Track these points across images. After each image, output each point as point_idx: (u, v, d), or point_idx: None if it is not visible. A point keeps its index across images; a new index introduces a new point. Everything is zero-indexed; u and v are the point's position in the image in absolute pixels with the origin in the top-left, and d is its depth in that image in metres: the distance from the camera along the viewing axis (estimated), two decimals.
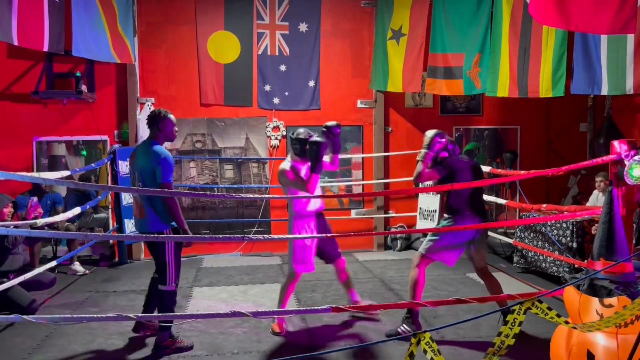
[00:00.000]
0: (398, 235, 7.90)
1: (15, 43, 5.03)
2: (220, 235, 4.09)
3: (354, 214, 8.11)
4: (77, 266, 6.68)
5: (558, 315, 2.30)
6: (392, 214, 8.17)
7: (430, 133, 4.41)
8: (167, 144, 7.49)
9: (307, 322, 4.72)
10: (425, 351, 2.12)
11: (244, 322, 4.66)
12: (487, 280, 4.50)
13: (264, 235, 3.60)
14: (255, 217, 7.76)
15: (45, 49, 5.50)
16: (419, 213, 7.84)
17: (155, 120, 4.18)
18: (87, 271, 6.71)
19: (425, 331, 2.10)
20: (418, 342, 2.09)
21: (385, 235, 8.05)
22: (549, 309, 2.27)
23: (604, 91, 5.74)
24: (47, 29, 5.43)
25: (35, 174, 5.82)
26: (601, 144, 7.00)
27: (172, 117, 4.25)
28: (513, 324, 2.23)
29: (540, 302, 2.24)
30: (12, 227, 4.94)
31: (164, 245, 4.04)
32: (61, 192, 7.06)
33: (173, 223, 4.09)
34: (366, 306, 3.43)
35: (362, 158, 8.10)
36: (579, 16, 3.94)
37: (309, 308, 4.24)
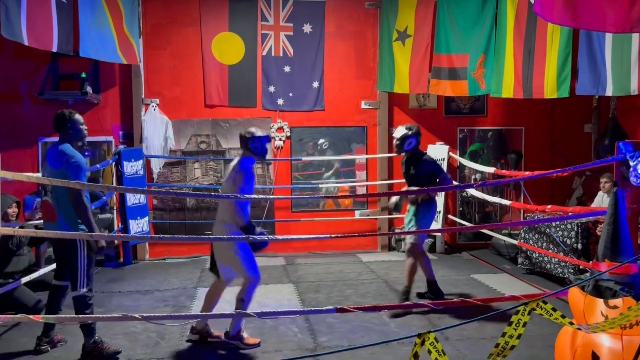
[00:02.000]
0: (402, 236, 7.88)
1: (26, 43, 5.06)
2: (224, 236, 4.10)
3: (357, 214, 8.11)
4: None
5: (563, 316, 2.30)
6: (396, 214, 8.16)
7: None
8: (171, 145, 7.56)
9: (311, 322, 4.72)
10: (429, 352, 2.12)
11: (248, 323, 4.66)
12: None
13: (269, 237, 3.61)
14: (259, 218, 7.77)
15: (55, 49, 5.54)
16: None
17: (62, 122, 4.14)
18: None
19: (429, 332, 2.10)
20: (422, 343, 2.10)
21: (390, 236, 8.05)
22: (554, 309, 2.27)
23: (609, 92, 5.72)
24: (55, 30, 5.47)
25: (41, 175, 5.85)
26: (606, 145, 6.98)
27: (78, 116, 4.21)
28: (517, 325, 2.22)
29: (545, 302, 2.24)
30: (17, 227, 4.97)
31: (75, 250, 3.99)
32: None
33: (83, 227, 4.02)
34: (371, 307, 3.45)
35: (366, 159, 8.10)
36: (589, 14, 3.90)
37: (313, 309, 4.24)
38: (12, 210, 5.38)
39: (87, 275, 4.05)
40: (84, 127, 4.23)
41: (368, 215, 8.12)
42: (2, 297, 4.63)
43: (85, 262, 4.03)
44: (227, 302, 5.44)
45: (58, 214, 4.02)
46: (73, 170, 3.94)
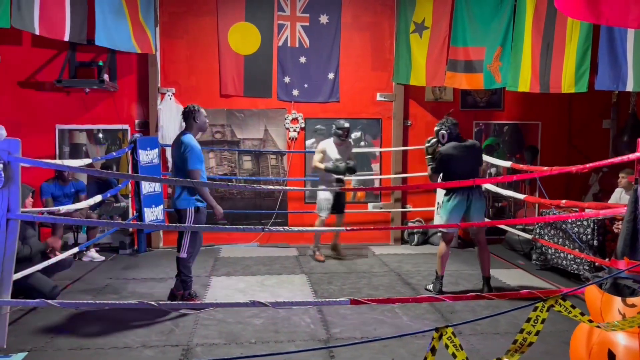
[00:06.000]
0: (415, 230, 7.88)
1: (37, 33, 5.11)
2: (240, 226, 4.17)
3: (371, 207, 8.10)
4: (93, 253, 6.79)
5: (582, 314, 2.28)
6: (409, 208, 8.15)
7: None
8: None
9: (324, 313, 4.73)
10: (446, 346, 2.12)
11: (261, 313, 4.70)
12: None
13: (284, 227, 3.62)
14: (272, 209, 7.79)
15: (66, 38, 5.58)
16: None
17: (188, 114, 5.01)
18: (104, 258, 6.81)
19: (447, 326, 2.09)
20: (440, 337, 2.09)
21: (402, 230, 8.04)
22: (573, 307, 2.25)
23: (629, 87, 5.62)
24: (68, 19, 5.51)
25: (59, 161, 5.91)
26: (625, 141, 6.89)
27: (202, 110, 5.06)
28: (536, 322, 2.21)
29: (564, 299, 2.23)
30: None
31: (183, 220, 4.76)
32: (83, 180, 7.16)
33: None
34: (385, 299, 3.44)
35: (380, 152, 8.08)
36: (611, 10, 3.83)
37: (326, 300, 4.26)
38: (29, 200, 5.43)
39: (190, 243, 4.78)
40: (205, 119, 5.08)
41: (381, 208, 8.11)
42: (18, 283, 4.67)
43: (188, 232, 4.76)
44: (240, 292, 5.49)
45: (177, 188, 4.87)
46: (191, 157, 4.75)
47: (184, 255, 4.81)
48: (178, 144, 4.87)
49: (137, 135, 7.15)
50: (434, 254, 7.21)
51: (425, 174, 7.79)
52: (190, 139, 4.85)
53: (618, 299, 2.95)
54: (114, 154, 6.75)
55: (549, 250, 6.16)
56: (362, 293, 5.44)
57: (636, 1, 3.72)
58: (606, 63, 5.75)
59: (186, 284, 4.92)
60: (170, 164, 7.59)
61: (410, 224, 8.00)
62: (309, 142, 7.88)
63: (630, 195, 3.17)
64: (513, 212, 8.35)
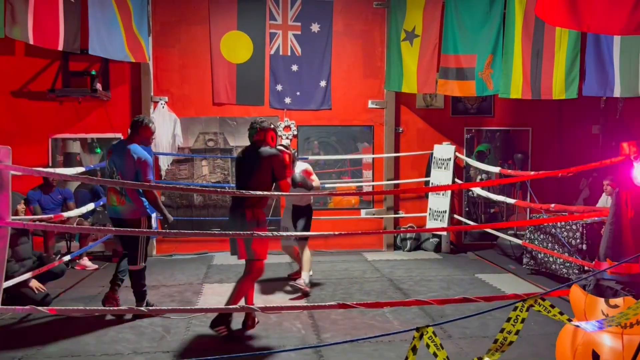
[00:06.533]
0: (407, 236, 7.91)
1: (31, 42, 5.14)
2: (229, 232, 4.19)
3: (363, 213, 8.14)
4: (86, 261, 6.80)
5: (561, 313, 2.32)
6: (401, 214, 8.19)
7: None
8: (179, 142, 7.63)
9: (315, 319, 4.76)
10: (427, 345, 2.16)
11: None
12: None
13: (273, 233, 3.65)
14: (266, 216, 7.80)
15: (60, 48, 5.61)
16: (429, 214, 7.85)
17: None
18: (97, 266, 6.82)
19: (427, 326, 2.13)
20: (421, 337, 2.13)
21: (395, 236, 8.07)
22: (552, 306, 2.29)
23: (616, 93, 5.71)
24: (62, 28, 5.55)
25: (50, 170, 5.93)
26: (613, 146, 6.96)
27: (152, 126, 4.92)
28: (516, 321, 2.25)
29: (543, 299, 2.27)
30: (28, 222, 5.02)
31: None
32: (71, 189, 7.15)
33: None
34: (374, 303, 3.48)
35: (373, 158, 8.13)
36: (591, 16, 3.91)
37: (316, 304, 4.28)
38: (21, 206, 5.45)
39: (146, 252, 4.79)
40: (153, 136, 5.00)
41: (374, 215, 8.15)
42: (10, 291, 4.68)
43: (145, 241, 4.75)
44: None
45: (127, 199, 4.68)
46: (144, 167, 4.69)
47: (142, 265, 4.77)
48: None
49: None
50: (426, 260, 7.30)
51: (417, 180, 7.95)
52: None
53: (601, 300, 2.99)
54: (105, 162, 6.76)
55: (539, 255, 6.21)
56: (353, 298, 5.47)
57: (617, 9, 3.79)
58: (593, 69, 5.83)
59: (145, 295, 4.84)
60: (163, 172, 7.67)
61: (402, 229, 8.04)
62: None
63: (612, 198, 3.22)
64: (505, 218, 8.40)
